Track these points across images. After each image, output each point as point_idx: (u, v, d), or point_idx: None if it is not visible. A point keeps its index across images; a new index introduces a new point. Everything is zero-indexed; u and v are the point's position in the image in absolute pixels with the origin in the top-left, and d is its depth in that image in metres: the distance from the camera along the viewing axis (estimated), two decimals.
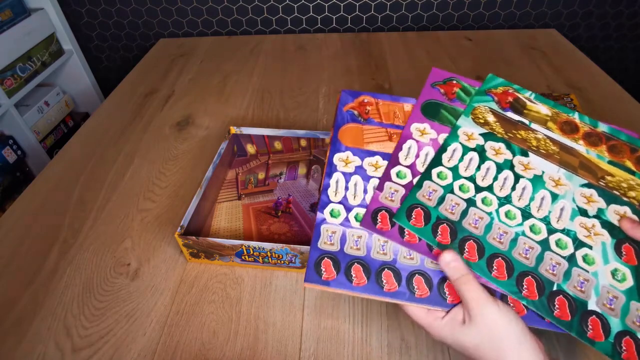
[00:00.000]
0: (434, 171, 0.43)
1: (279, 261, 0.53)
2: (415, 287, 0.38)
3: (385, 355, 0.45)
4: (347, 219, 0.42)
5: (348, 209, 0.42)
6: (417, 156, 0.44)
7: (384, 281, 0.39)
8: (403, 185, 0.43)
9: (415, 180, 0.43)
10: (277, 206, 0.62)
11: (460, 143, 0.44)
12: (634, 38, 1.30)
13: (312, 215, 0.59)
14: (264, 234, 0.58)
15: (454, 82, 0.48)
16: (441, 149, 0.44)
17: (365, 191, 0.43)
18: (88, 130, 0.83)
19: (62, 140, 1.30)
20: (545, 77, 0.93)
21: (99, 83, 1.40)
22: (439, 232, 0.39)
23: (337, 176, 0.44)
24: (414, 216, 0.40)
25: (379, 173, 0.44)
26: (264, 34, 1.25)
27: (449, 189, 0.42)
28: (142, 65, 1.07)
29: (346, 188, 0.43)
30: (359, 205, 0.42)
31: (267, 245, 0.50)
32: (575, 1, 1.21)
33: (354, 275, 0.39)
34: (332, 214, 0.42)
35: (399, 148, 0.45)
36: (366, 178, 0.44)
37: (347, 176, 0.44)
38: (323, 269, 0.39)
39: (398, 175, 0.43)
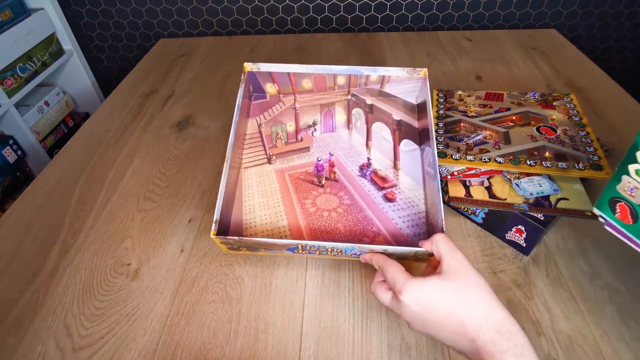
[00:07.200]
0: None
1: (339, 253, 0.48)
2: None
3: (385, 355, 0.45)
4: None
5: None
6: None
7: None
8: None
9: None
10: (319, 171, 0.50)
11: None
12: (634, 38, 1.30)
13: (362, 182, 0.49)
14: (311, 213, 0.46)
15: None
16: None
17: None
18: (88, 130, 0.83)
19: (62, 140, 1.30)
20: (545, 77, 0.93)
21: (99, 83, 1.40)
22: None
23: None
24: (618, 210, 0.38)
25: None
26: (264, 34, 1.25)
27: None
28: (142, 65, 1.07)
29: None
30: None
31: (329, 245, 0.45)
32: (575, 1, 1.21)
33: None
34: None
35: None
36: None
37: None
38: None
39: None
